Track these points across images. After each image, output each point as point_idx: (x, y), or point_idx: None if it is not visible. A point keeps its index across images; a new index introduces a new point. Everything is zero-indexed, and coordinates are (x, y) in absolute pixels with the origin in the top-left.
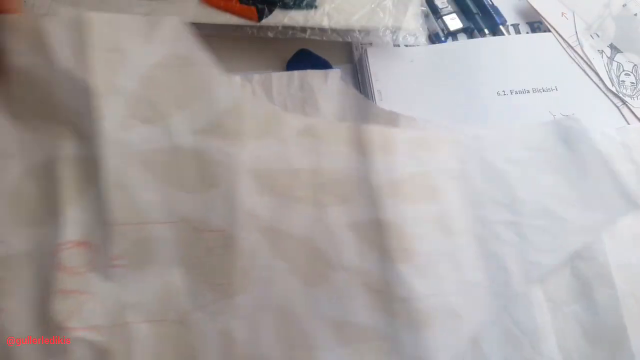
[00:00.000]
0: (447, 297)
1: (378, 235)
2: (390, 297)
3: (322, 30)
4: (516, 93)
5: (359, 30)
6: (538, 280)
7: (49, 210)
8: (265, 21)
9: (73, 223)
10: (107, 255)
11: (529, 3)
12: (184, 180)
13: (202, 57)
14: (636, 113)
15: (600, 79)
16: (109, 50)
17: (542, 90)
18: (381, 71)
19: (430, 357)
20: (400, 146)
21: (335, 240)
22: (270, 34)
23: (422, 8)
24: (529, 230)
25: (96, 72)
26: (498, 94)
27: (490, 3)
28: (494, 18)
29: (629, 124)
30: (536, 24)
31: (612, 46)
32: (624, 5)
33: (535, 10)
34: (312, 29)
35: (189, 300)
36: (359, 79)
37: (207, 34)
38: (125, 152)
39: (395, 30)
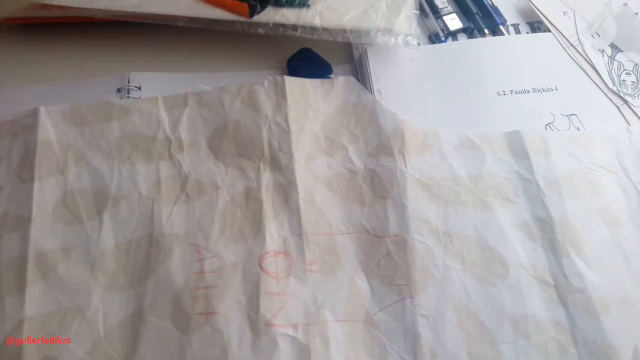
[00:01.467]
0: (620, 286)
1: (547, 231)
2: (565, 289)
3: (314, 29)
4: (516, 93)
5: (350, 31)
6: None
7: (252, 227)
8: (256, 18)
9: (273, 236)
10: (303, 261)
11: (529, 2)
12: (361, 197)
13: (368, 98)
14: (637, 112)
15: (601, 79)
16: (297, 103)
17: (542, 90)
18: (381, 71)
19: (610, 342)
20: (557, 145)
21: (506, 239)
22: (261, 31)
23: (415, 11)
24: None
25: (290, 118)
26: (498, 94)
27: (490, 3)
28: (494, 18)
29: (629, 123)
30: (536, 24)
31: (613, 45)
32: (625, 5)
33: (537, 9)
34: (303, 27)
35: (374, 302)
36: (359, 79)
37: (202, 27)
38: (313, 177)
39: (386, 32)
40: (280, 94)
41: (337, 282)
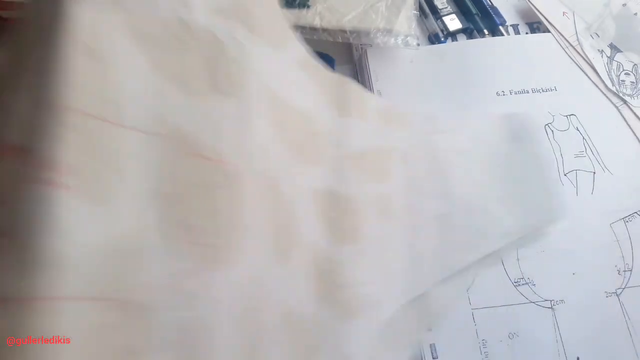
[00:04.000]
0: (374, 286)
1: (334, 208)
2: (331, 283)
3: (313, 29)
4: (515, 93)
5: (350, 31)
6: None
7: None
8: None
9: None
10: (46, 164)
11: (529, 3)
12: (188, 76)
13: None
14: (636, 112)
15: (600, 79)
16: None
17: (541, 91)
18: (381, 71)
19: (350, 352)
20: (372, 113)
21: (299, 207)
22: None
23: (415, 12)
24: (455, 225)
25: None
26: (497, 94)
27: (490, 4)
28: (493, 18)
29: (628, 123)
30: (535, 25)
31: (612, 46)
32: (624, 5)
33: (536, 10)
34: (303, 28)
35: (164, 268)
36: (359, 79)
37: None
38: (110, 18)
39: (386, 33)
40: None
41: (111, 213)
